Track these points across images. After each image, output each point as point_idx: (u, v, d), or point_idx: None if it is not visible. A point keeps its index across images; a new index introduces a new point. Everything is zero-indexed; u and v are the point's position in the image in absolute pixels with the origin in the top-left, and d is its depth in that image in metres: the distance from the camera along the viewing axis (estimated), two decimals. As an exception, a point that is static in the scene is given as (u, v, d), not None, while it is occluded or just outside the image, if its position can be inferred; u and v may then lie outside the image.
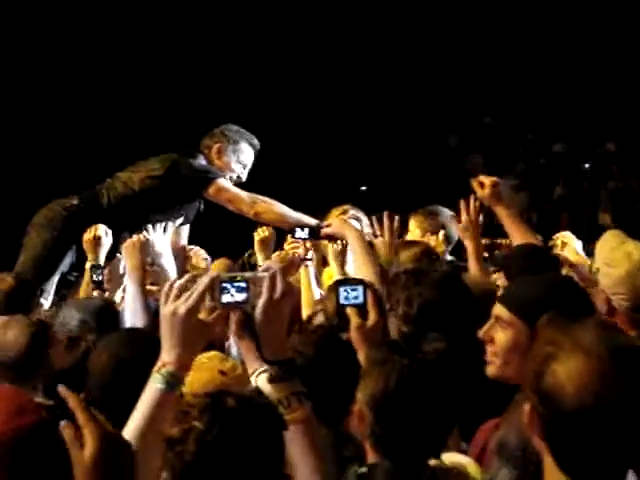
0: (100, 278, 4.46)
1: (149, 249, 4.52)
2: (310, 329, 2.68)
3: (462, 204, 3.93)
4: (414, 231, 4.54)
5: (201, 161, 4.95)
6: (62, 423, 1.53)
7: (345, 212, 4.58)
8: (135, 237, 4.22)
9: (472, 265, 3.87)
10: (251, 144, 5.04)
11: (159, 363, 1.94)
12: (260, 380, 1.98)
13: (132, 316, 3.85)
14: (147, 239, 4.33)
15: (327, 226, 3.82)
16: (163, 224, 4.97)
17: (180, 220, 5.06)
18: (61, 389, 1.60)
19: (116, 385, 2.42)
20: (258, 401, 1.79)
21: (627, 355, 1.58)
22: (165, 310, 1.96)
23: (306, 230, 4.05)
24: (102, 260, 4.60)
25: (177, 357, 1.94)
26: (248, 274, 2.01)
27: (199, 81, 9.98)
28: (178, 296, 1.96)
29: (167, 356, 1.94)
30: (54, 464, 1.34)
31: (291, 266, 4.10)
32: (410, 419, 1.96)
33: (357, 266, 3.47)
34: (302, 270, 4.15)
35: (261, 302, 1.96)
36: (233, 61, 10.16)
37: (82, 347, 2.97)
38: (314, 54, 10.40)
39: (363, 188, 9.94)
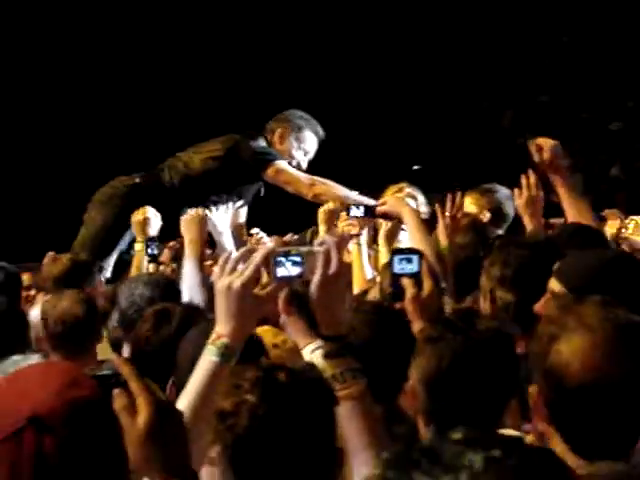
0: (155, 252, 4.50)
1: (210, 227, 4.54)
2: (364, 306, 2.66)
3: (523, 180, 3.76)
4: (469, 207, 4.47)
5: (261, 143, 4.94)
6: (115, 391, 1.54)
7: (401, 190, 4.54)
8: (194, 211, 4.22)
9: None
10: (315, 132, 5.02)
11: (213, 335, 1.95)
12: (315, 356, 1.97)
13: (189, 290, 3.87)
14: (206, 214, 4.33)
15: (382, 204, 3.78)
16: (224, 205, 4.99)
17: (240, 202, 5.06)
18: (115, 358, 1.62)
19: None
20: (310, 375, 1.80)
21: (630, 331, 1.57)
22: (220, 284, 1.96)
23: (361, 208, 4.04)
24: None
25: (232, 330, 1.94)
26: (303, 248, 2.01)
27: (258, 64, 10.00)
28: (234, 269, 1.96)
29: (222, 328, 1.95)
30: (107, 437, 1.36)
31: (342, 242, 4.09)
32: (463, 397, 1.95)
33: (413, 244, 3.43)
34: (354, 248, 4.13)
35: (316, 277, 1.95)
36: (288, 46, 10.16)
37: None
38: (368, 35, 10.35)
39: (416, 167, 9.88)
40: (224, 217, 4.95)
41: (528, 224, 3.79)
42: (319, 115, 5.21)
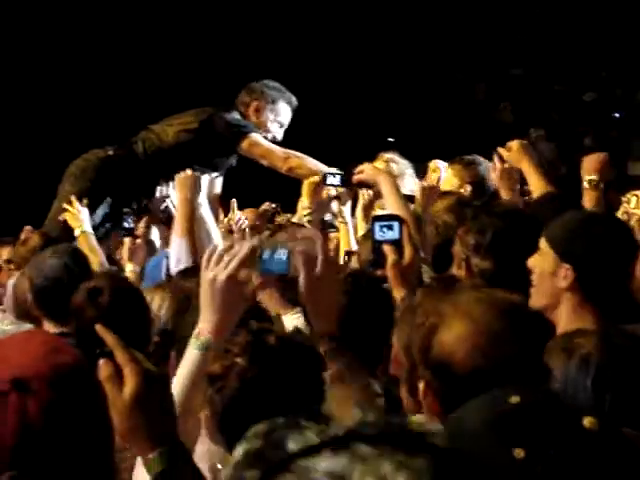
0: (131, 225, 4.48)
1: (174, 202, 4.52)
2: (343, 276, 2.67)
3: (496, 153, 3.84)
4: (451, 179, 4.49)
5: (235, 115, 4.90)
6: (101, 360, 1.54)
7: (388, 162, 4.55)
8: (189, 171, 4.20)
9: None
10: (289, 103, 4.99)
11: (197, 329, 1.96)
12: (299, 322, 1.98)
13: (178, 251, 3.84)
14: (199, 176, 4.30)
15: (359, 172, 3.75)
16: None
17: (215, 174, 5.04)
18: (99, 328, 1.61)
19: None
20: (298, 339, 1.80)
21: (508, 310, 1.58)
22: (206, 276, 1.96)
23: (338, 177, 4.03)
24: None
25: (215, 325, 1.96)
26: (291, 244, 2.01)
27: (227, 34, 9.92)
28: (218, 263, 1.96)
29: (206, 324, 1.96)
30: (91, 403, 1.35)
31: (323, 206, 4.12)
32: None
33: (390, 211, 3.43)
34: (341, 227, 4.15)
35: (301, 280, 1.95)
36: (262, 14, 10.08)
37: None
38: (343, 8, 10.30)
39: (391, 139, 9.87)
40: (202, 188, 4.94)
41: (504, 196, 3.83)
42: (292, 86, 5.18)
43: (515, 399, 1.14)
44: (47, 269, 3.21)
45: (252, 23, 9.99)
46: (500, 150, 3.79)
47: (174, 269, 3.77)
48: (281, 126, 4.98)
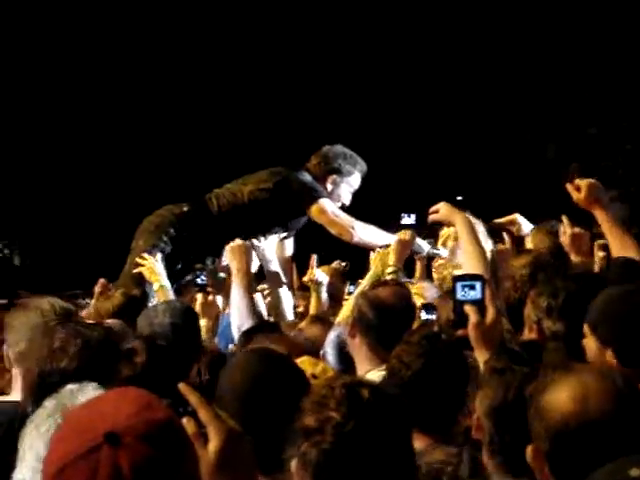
0: (204, 281, 4.51)
1: (259, 257, 4.54)
2: (414, 338, 2.64)
3: (564, 218, 3.77)
4: (534, 244, 4.40)
5: (308, 177, 4.93)
6: (184, 419, 1.54)
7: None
8: (239, 241, 4.23)
9: None
10: (361, 172, 5.01)
11: None
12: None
13: (239, 317, 3.87)
14: (251, 243, 4.33)
15: (434, 212, 3.64)
16: (272, 235, 5.00)
17: (284, 234, 5.06)
18: (182, 386, 1.62)
19: (251, 403, 2.29)
20: (389, 392, 1.80)
21: (620, 387, 1.62)
22: None
23: (412, 216, 3.97)
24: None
25: None
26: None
27: (296, 99, 10.12)
28: None
29: None
30: (181, 459, 1.36)
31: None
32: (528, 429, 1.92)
33: (466, 253, 3.35)
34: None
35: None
36: (334, 80, 10.27)
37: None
38: (413, 68, 10.42)
39: (459, 198, 9.86)
40: (272, 247, 4.97)
41: (574, 259, 3.75)
42: (363, 146, 5.20)
43: (636, 472, 1.14)
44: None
45: (324, 88, 10.15)
46: (569, 188, 3.61)
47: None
48: (351, 192, 5.01)
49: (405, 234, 4.11)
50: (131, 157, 9.64)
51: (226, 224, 4.85)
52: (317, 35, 10.38)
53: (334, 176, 4.91)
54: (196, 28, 10.31)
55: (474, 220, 4.55)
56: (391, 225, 4.41)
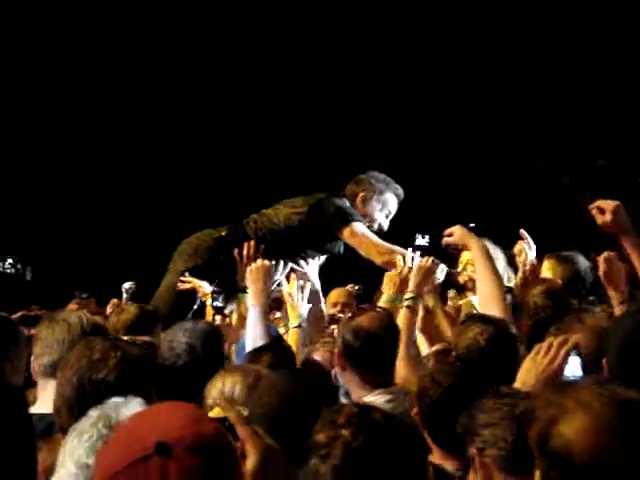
0: (221, 304, 4.52)
1: (300, 277, 4.58)
2: (449, 359, 2.67)
3: (602, 257, 3.52)
4: (544, 272, 4.38)
5: (345, 202, 4.99)
6: None
7: None
8: (260, 262, 4.24)
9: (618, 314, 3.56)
10: (396, 194, 5.06)
11: None
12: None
13: (253, 339, 3.90)
14: (272, 264, 4.34)
15: (449, 235, 3.67)
16: (311, 258, 5.04)
17: (323, 257, 5.11)
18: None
19: (283, 421, 2.30)
20: (404, 420, 1.82)
21: (626, 406, 1.60)
22: None
23: (426, 237, 3.97)
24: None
25: None
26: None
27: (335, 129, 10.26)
28: None
29: None
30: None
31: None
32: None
33: (481, 278, 3.37)
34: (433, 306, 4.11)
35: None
36: (371, 110, 10.40)
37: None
38: (425, 98, 10.54)
39: (472, 225, 9.90)
40: (314, 269, 5.03)
41: (612, 294, 3.51)
42: (385, 169, 5.26)
43: None
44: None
45: (359, 117, 10.27)
46: (594, 212, 3.24)
47: None
48: (387, 216, 5.05)
49: (427, 260, 3.96)
50: (174, 181, 9.72)
51: (264, 248, 4.86)
52: (348, 68, 10.57)
53: (363, 193, 4.98)
54: (240, 54, 10.50)
55: (492, 247, 4.58)
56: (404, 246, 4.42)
